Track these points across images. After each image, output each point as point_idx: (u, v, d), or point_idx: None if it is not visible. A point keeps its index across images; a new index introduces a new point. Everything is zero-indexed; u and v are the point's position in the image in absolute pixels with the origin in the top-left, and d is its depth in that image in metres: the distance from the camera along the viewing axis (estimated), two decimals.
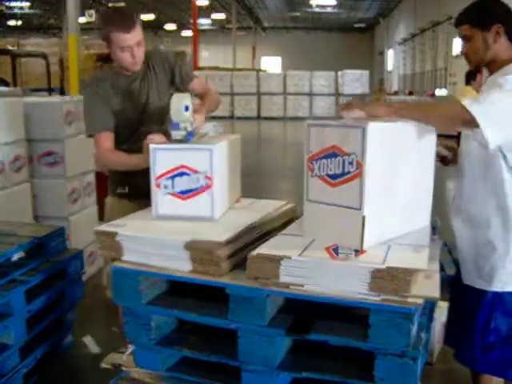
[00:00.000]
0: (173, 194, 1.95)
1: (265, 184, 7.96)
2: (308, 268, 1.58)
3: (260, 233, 1.94)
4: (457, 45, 17.73)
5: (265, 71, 23.34)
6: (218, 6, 26.52)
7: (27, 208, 3.69)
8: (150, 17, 25.59)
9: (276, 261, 1.60)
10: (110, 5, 21.72)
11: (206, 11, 26.52)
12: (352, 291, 1.54)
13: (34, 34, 27.38)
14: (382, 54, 33.98)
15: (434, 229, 1.99)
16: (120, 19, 2.27)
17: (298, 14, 30.04)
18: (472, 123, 1.70)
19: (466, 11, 1.99)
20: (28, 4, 25.24)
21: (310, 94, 20.07)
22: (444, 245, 2.65)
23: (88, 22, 13.43)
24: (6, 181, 3.49)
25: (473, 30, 1.94)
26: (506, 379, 2.08)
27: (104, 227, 1.92)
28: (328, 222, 1.72)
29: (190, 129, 2.01)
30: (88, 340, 3.13)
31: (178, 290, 1.87)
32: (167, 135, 2.09)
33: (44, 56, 9.06)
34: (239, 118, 19.36)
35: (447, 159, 2.18)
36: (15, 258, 2.64)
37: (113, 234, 1.85)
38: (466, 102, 1.72)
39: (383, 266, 1.51)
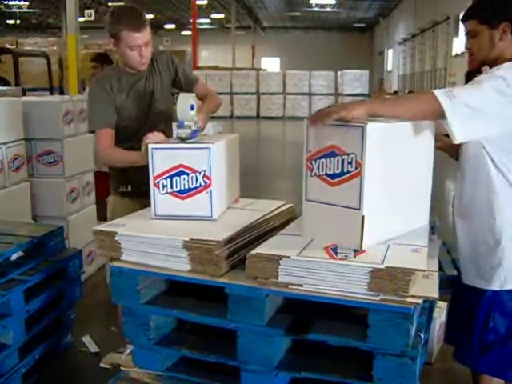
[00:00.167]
0: (172, 194, 1.95)
1: (264, 184, 7.95)
2: (307, 268, 1.58)
3: (259, 232, 1.93)
4: (456, 45, 17.75)
5: (265, 70, 23.33)
6: (218, 6, 26.55)
7: (26, 207, 3.69)
8: (150, 16, 25.64)
9: (275, 260, 1.60)
10: (109, 4, 21.72)
11: (205, 11, 26.57)
12: (351, 291, 1.54)
13: (33, 33, 27.36)
14: (381, 53, 34.01)
15: (432, 228, 1.99)
16: (131, 18, 2.29)
17: (297, 13, 30.05)
18: (441, 115, 1.69)
19: (474, 7, 1.96)
20: (27, 3, 25.25)
21: (310, 94, 20.06)
22: (443, 244, 2.66)
23: (87, 21, 13.42)
24: (4, 180, 3.48)
25: (480, 26, 1.91)
26: (506, 380, 2.07)
27: (103, 227, 1.92)
28: (327, 221, 1.72)
29: (194, 127, 2.04)
30: (87, 340, 3.12)
31: (177, 289, 1.87)
32: (167, 134, 2.08)
33: (45, 55, 9.06)
34: (238, 118, 19.35)
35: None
36: (14, 257, 2.64)
37: (112, 234, 1.85)
38: (438, 92, 1.71)
39: (382, 266, 1.51)
